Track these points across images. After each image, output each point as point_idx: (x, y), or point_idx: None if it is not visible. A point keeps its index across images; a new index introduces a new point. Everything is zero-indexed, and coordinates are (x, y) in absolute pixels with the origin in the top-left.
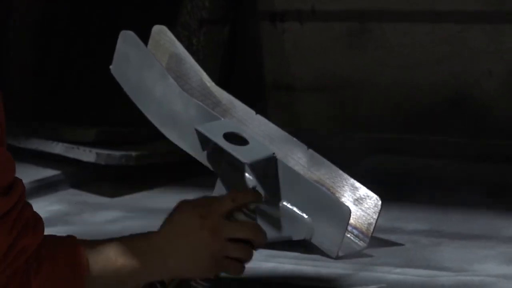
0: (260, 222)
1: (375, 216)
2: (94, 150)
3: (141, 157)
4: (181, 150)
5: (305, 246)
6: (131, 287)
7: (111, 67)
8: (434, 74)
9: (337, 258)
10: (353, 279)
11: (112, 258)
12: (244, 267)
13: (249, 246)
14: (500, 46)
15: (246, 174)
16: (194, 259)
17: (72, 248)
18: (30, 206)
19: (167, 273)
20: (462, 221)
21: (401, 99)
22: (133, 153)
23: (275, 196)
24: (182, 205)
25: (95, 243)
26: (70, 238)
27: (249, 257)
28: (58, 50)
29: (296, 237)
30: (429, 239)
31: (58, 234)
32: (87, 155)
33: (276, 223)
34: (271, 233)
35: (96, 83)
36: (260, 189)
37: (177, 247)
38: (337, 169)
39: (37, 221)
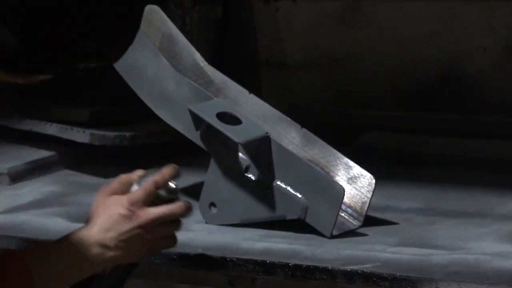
0: (254, 202)
1: (369, 195)
2: (88, 131)
3: (135, 138)
4: (175, 130)
5: (299, 226)
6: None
7: None
8: (427, 50)
9: (332, 237)
10: (347, 258)
11: (56, 268)
12: (176, 238)
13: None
14: (493, 21)
15: (240, 154)
16: (131, 251)
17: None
18: None
19: (107, 264)
20: (457, 199)
21: (395, 76)
22: (127, 134)
23: (268, 176)
24: (105, 198)
25: (40, 257)
26: (18, 262)
27: (179, 229)
28: (48, 29)
29: (290, 216)
30: (423, 217)
31: (54, 215)
32: (81, 135)
33: (270, 203)
34: (265, 212)
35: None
36: (253, 169)
37: (112, 242)
38: (331, 148)
39: None
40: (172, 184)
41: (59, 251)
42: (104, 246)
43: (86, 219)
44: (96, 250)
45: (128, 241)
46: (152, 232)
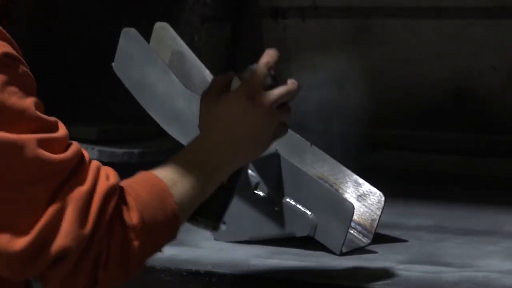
0: (264, 219)
1: (379, 212)
2: (97, 148)
3: (144, 155)
4: (184, 147)
5: (309, 243)
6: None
7: (113, 64)
8: (437, 69)
9: (341, 254)
10: (357, 276)
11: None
12: (287, 125)
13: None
14: (503, 41)
15: (249, 171)
16: (259, 142)
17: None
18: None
19: (237, 166)
20: (466, 216)
21: (405, 95)
22: (136, 151)
23: (278, 193)
24: (214, 99)
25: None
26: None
27: (291, 114)
28: (58, 47)
29: (300, 233)
30: (432, 235)
31: None
32: (89, 152)
33: (279, 220)
34: (274, 229)
35: (97, 79)
36: (263, 186)
37: (242, 137)
38: (340, 165)
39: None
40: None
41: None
42: (234, 148)
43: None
44: (227, 155)
45: (256, 133)
46: (275, 114)
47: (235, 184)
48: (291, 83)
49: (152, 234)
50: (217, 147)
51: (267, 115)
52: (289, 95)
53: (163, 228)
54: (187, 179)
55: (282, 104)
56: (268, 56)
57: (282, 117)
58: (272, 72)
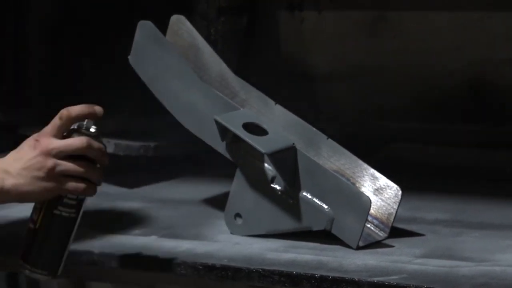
0: (280, 213)
1: (396, 206)
2: (113, 141)
3: (160, 148)
4: (200, 140)
5: (325, 237)
6: None
7: (129, 57)
8: (453, 62)
9: (358, 248)
10: (374, 270)
11: None
12: (91, 187)
13: (92, 163)
14: None
15: (266, 165)
16: (31, 180)
17: None
18: None
19: (8, 197)
20: (483, 210)
21: (420, 88)
22: (152, 144)
23: (294, 187)
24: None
25: None
26: None
27: (92, 174)
28: (75, 40)
29: (316, 227)
30: (449, 229)
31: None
32: (105, 145)
33: (296, 214)
34: (290, 223)
35: (113, 72)
36: (279, 180)
37: (15, 170)
38: (357, 159)
39: None
40: (92, 129)
41: None
42: (6, 172)
43: None
44: None
45: (29, 168)
46: (55, 163)
47: (46, 227)
48: (78, 139)
49: None
50: None
51: (41, 158)
52: (70, 147)
53: None
54: None
55: (77, 157)
56: (71, 109)
57: (70, 169)
58: (84, 130)
